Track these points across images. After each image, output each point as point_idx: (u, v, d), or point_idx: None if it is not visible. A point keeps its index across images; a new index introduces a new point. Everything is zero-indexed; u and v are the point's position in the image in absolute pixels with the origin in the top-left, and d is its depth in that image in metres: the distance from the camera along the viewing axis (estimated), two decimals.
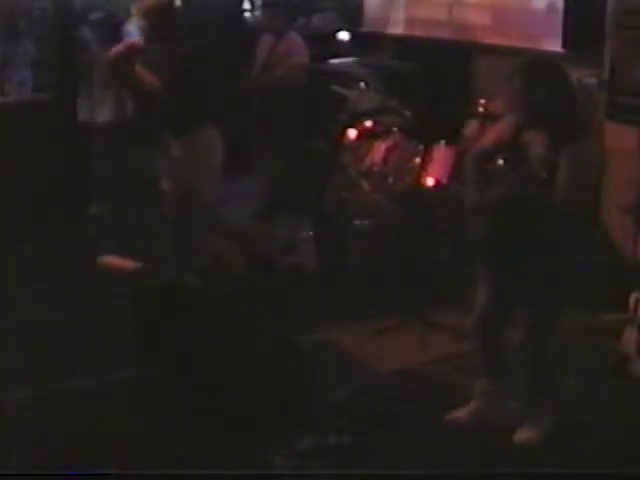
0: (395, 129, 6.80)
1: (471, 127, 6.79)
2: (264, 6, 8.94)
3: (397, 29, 8.85)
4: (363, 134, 6.87)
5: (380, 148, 6.71)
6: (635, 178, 6.19)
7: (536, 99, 4.39)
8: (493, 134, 4.68)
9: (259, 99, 8.01)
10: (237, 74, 8.19)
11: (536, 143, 4.44)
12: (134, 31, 8.04)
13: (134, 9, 6.41)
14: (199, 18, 9.03)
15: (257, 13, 9.89)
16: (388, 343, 5.65)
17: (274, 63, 7.99)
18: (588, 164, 4.41)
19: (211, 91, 6.36)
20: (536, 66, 4.54)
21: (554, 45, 7.01)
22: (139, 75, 6.15)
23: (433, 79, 7.81)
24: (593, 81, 6.66)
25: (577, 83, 6.70)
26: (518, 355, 4.67)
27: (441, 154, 6.51)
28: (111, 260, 6.14)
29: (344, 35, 9.43)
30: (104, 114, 7.74)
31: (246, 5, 10.35)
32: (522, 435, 4.59)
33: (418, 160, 6.52)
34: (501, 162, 4.52)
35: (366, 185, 6.66)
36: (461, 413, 4.75)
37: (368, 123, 6.93)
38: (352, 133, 6.90)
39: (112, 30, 7.48)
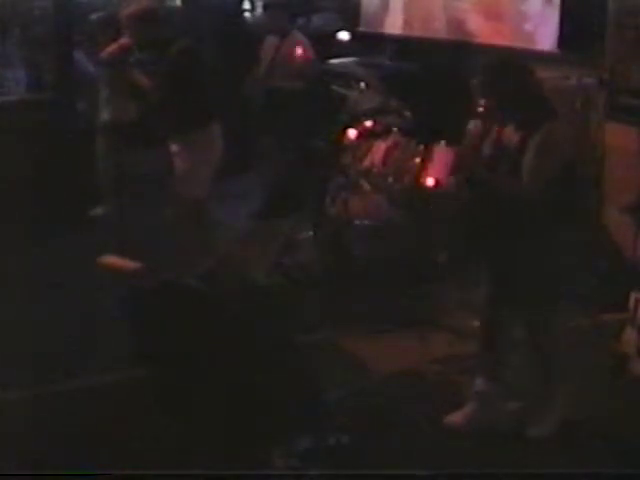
0: (395, 129, 6.80)
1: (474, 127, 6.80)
2: (266, 7, 8.94)
3: (397, 29, 8.85)
4: (363, 134, 6.87)
5: (380, 148, 6.71)
6: (635, 178, 6.19)
7: (502, 94, 4.52)
8: (476, 139, 4.74)
9: (258, 100, 8.02)
10: (237, 75, 8.19)
11: (507, 137, 4.56)
12: None
13: (120, 17, 6.40)
14: (197, 19, 9.03)
15: (258, 14, 9.90)
16: (388, 343, 5.65)
17: (280, 64, 8.00)
18: (551, 149, 4.47)
19: (209, 92, 6.37)
20: (500, 64, 4.71)
21: (553, 45, 7.01)
22: (133, 76, 6.18)
23: (433, 79, 7.81)
24: (593, 81, 6.66)
25: (577, 83, 6.73)
26: (522, 354, 4.70)
27: (441, 154, 6.50)
28: (111, 260, 6.13)
29: (344, 35, 9.43)
30: (103, 114, 7.74)
31: (247, 6, 10.36)
32: (527, 435, 4.61)
33: (418, 160, 6.52)
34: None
35: (366, 185, 6.65)
36: (458, 416, 4.76)
37: (368, 123, 6.93)
38: (352, 133, 6.90)
39: (111, 30, 7.47)
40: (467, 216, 4.71)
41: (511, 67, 4.65)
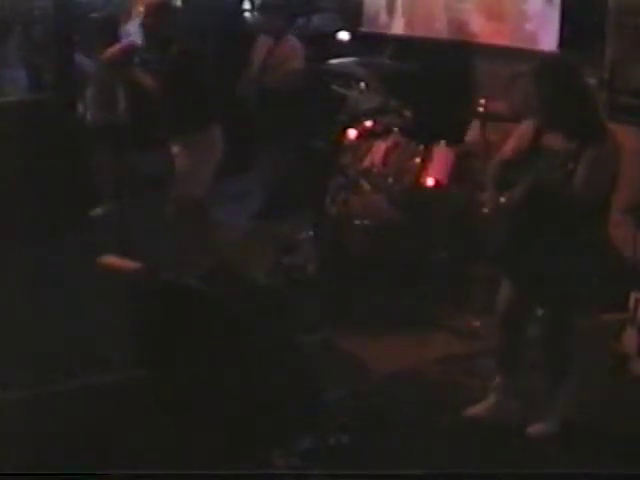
0: (395, 129, 6.80)
1: (473, 130, 6.79)
2: (262, 8, 8.93)
3: (397, 29, 8.84)
4: (363, 134, 6.87)
5: (380, 148, 6.71)
6: (635, 178, 6.18)
7: (556, 101, 4.40)
8: (513, 142, 4.66)
9: (257, 100, 8.02)
10: (236, 76, 8.19)
11: (555, 144, 4.45)
12: (133, 31, 8.06)
13: (138, 7, 6.43)
14: (197, 19, 9.02)
15: (255, 15, 9.88)
16: (388, 343, 5.65)
17: (271, 66, 7.99)
18: (606, 163, 4.43)
19: (210, 92, 6.37)
20: (554, 68, 4.54)
21: (554, 45, 7.00)
22: (136, 76, 6.19)
23: (433, 79, 7.81)
24: (593, 81, 6.66)
25: None
26: (537, 350, 4.74)
27: (441, 154, 6.51)
28: (111, 260, 6.13)
29: (344, 35, 9.42)
30: (103, 114, 7.74)
31: (245, 7, 10.35)
32: (532, 431, 4.62)
33: (418, 160, 6.52)
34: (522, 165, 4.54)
35: (366, 185, 6.65)
36: (477, 409, 4.76)
37: (368, 123, 6.93)
38: (352, 133, 6.90)
39: (111, 30, 7.48)
40: (497, 218, 4.65)
41: (566, 69, 4.50)
